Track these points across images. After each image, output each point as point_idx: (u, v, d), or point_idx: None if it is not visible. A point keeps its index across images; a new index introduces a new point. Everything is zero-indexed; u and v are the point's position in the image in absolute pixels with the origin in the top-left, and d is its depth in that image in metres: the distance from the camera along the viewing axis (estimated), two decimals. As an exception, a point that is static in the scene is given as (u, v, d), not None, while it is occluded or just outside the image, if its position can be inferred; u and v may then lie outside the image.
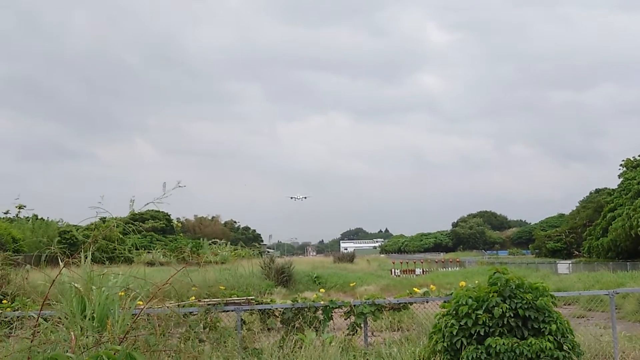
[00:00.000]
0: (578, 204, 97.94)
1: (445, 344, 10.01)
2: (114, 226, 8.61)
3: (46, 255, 9.09)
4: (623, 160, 73.06)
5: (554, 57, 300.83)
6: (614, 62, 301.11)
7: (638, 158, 72.05)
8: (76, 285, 9.10)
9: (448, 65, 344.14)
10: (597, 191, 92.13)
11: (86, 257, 9.64)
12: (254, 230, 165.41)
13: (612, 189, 75.33)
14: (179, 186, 8.20)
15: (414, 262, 79.00)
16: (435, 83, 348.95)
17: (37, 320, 7.63)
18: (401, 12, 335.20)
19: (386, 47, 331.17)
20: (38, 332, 7.48)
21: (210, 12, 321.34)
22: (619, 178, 71.87)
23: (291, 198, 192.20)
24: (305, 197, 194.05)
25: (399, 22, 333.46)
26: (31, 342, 6.53)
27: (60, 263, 8.82)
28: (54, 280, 7.56)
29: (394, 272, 69.94)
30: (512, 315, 9.77)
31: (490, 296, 9.93)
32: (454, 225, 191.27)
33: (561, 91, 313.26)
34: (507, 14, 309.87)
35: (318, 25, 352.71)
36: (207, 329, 12.50)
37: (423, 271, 70.56)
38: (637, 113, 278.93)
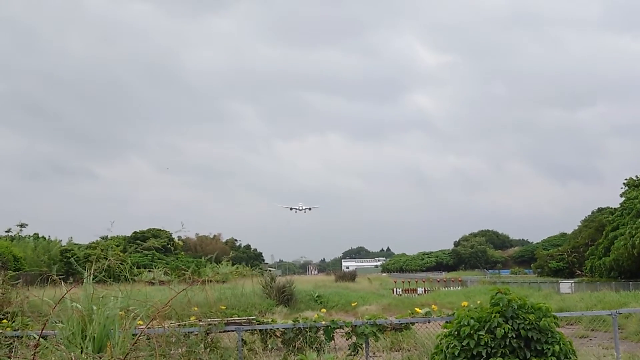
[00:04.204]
0: (580, 223, 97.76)
1: (447, 365, 9.95)
2: (116, 245, 8.58)
3: (48, 276, 9.08)
4: (625, 180, 72.99)
5: (546, 77, 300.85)
6: (607, 82, 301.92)
7: (640, 177, 72.08)
8: (77, 305, 9.07)
9: (441, 85, 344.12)
10: (599, 210, 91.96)
11: (87, 277, 9.62)
12: (255, 249, 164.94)
13: (614, 208, 75.22)
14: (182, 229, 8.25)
15: (416, 281, 78.82)
16: (429, 103, 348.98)
17: (38, 340, 7.61)
18: (391, 34, 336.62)
19: (379, 69, 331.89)
20: (38, 352, 7.45)
21: (204, 34, 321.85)
22: (621, 197, 71.75)
23: (291, 209, 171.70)
24: (309, 208, 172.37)
25: (390, 44, 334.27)
26: (31, 363, 6.51)
27: (61, 283, 8.81)
28: (57, 303, 7.54)
29: (396, 291, 69.83)
30: (514, 336, 9.71)
31: (493, 317, 9.87)
32: (456, 244, 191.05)
33: (555, 110, 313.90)
34: (497, 36, 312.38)
35: (310, 48, 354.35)
36: (208, 349, 12.44)
37: (425, 290, 70.39)
38: (632, 132, 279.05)
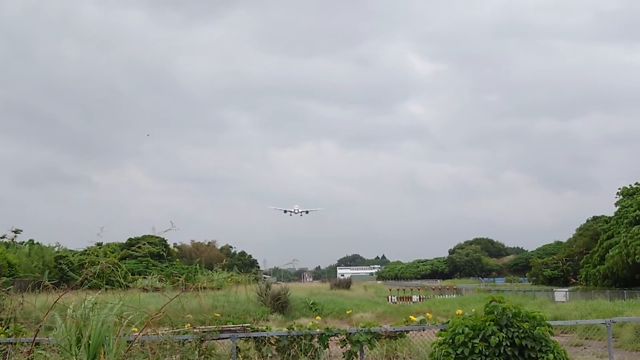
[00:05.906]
0: (575, 232, 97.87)
1: (441, 373, 9.94)
2: (110, 251, 8.58)
3: (41, 282, 9.04)
4: (619, 189, 73.13)
5: (539, 86, 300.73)
6: (599, 91, 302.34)
7: (634, 186, 72.15)
8: (71, 311, 9.03)
9: (434, 94, 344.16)
10: (594, 218, 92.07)
11: (82, 283, 9.58)
12: (250, 256, 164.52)
13: (609, 217, 75.34)
14: (173, 227, 8.33)
15: (411, 289, 78.87)
16: (423, 111, 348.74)
17: (31, 347, 7.58)
18: (385, 43, 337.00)
19: (373, 78, 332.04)
20: (31, 359, 7.43)
21: (197, 42, 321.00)
22: (616, 206, 71.89)
23: (285, 212, 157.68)
24: (306, 211, 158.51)
25: (383, 53, 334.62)
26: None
27: (54, 289, 8.77)
28: (49, 309, 7.52)
29: (391, 298, 69.84)
30: (508, 344, 9.72)
31: (487, 325, 9.88)
32: (451, 252, 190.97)
33: (549, 119, 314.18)
34: (490, 45, 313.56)
35: (304, 56, 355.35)
36: (202, 356, 12.42)
37: (420, 298, 70.41)
38: (626, 142, 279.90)
